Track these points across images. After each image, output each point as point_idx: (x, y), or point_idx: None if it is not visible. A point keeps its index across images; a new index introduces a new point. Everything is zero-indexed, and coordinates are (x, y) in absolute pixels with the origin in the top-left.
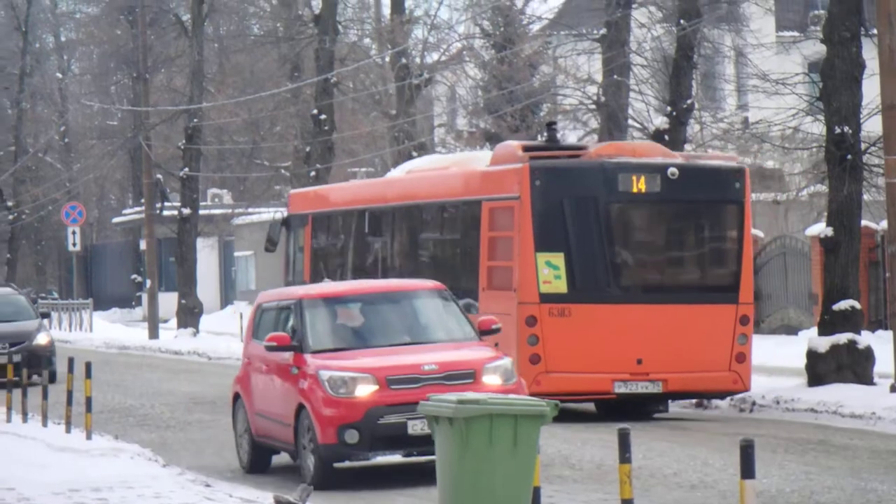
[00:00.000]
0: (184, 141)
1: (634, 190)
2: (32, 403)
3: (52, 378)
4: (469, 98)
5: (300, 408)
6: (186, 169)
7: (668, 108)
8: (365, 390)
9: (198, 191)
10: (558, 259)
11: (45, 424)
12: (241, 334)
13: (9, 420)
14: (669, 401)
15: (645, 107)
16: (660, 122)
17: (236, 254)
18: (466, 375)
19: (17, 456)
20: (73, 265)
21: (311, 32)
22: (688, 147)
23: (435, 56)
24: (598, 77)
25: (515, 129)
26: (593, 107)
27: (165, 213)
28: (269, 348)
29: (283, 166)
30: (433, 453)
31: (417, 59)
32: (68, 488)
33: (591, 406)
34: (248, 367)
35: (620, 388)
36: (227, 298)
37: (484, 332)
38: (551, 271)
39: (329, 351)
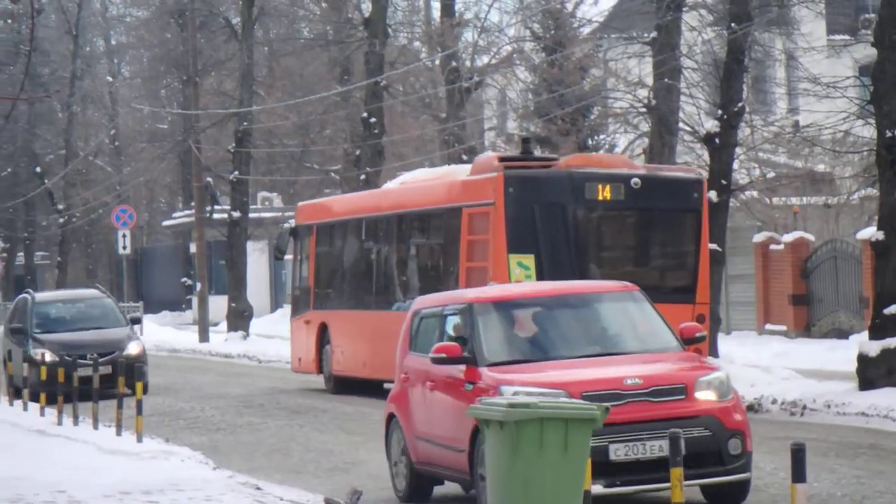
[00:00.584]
0: (233, 144)
1: (600, 198)
2: (83, 406)
3: (146, 390)
4: (519, 101)
5: (477, 430)
6: (236, 172)
7: (719, 112)
8: None
9: (248, 194)
10: (529, 260)
11: (95, 427)
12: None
13: (60, 423)
14: None
15: (696, 110)
16: (710, 125)
17: (286, 257)
18: (676, 391)
19: (68, 459)
20: (123, 268)
21: (361, 36)
22: (738, 150)
23: (485, 59)
24: (649, 80)
25: (566, 132)
26: (644, 110)
27: (215, 216)
28: (437, 360)
29: (332, 169)
30: (640, 482)
31: (467, 63)
32: (119, 491)
33: None
34: (405, 382)
35: None
36: (277, 302)
37: (687, 340)
38: (522, 271)
39: (507, 363)
